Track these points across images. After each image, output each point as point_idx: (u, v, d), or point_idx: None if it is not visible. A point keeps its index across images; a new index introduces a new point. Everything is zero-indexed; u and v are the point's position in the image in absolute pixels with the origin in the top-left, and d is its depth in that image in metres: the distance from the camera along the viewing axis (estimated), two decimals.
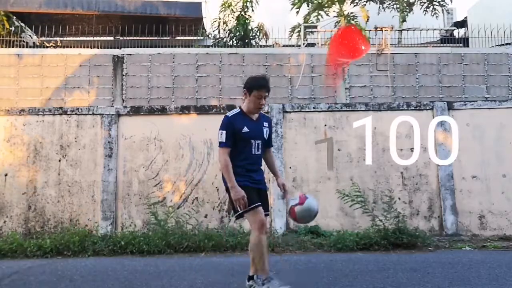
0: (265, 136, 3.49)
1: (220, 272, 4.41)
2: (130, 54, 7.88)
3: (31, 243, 5.66)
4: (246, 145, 3.36)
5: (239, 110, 3.46)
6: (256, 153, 3.41)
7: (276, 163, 3.76)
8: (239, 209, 3.24)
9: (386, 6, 13.39)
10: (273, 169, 3.66)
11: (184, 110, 6.99)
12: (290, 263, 4.84)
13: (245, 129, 3.33)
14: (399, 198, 6.50)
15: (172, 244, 5.63)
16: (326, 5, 12.93)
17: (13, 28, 10.17)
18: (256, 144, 3.40)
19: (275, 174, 3.65)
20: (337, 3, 13.00)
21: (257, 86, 3.36)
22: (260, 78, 3.50)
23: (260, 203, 3.30)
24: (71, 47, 9.24)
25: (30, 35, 10.78)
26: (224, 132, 3.30)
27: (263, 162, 3.59)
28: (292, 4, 13.39)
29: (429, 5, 12.99)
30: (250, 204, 3.23)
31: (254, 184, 3.36)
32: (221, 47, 9.78)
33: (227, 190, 3.33)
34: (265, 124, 3.54)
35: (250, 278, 3.32)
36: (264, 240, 3.24)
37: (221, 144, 3.32)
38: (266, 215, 3.42)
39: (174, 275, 4.31)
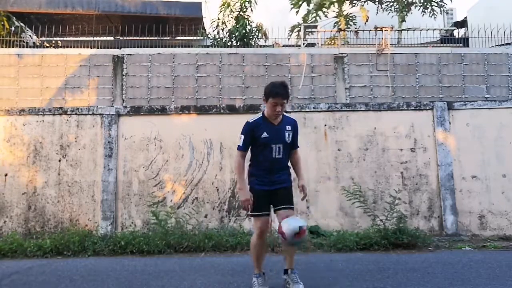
0: (286, 139, 3.51)
1: (220, 272, 4.41)
2: (130, 54, 7.88)
3: (31, 243, 5.66)
4: (266, 150, 3.43)
5: (262, 114, 3.54)
6: (277, 156, 3.45)
7: (300, 165, 3.74)
8: (245, 210, 3.47)
9: (385, 8, 13.40)
10: (296, 170, 3.70)
11: (184, 110, 6.98)
12: None
13: (264, 135, 3.42)
14: (399, 198, 6.50)
15: (172, 244, 5.63)
16: (325, 6, 12.95)
17: (13, 28, 10.18)
18: (277, 148, 3.44)
19: (297, 175, 3.69)
20: (336, 3, 13.02)
21: (271, 93, 3.38)
22: (276, 86, 3.44)
23: (264, 212, 3.45)
24: (71, 47, 9.24)
25: (30, 35, 10.78)
26: (242, 136, 3.47)
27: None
28: (291, 4, 13.41)
29: (427, 6, 12.98)
30: (254, 211, 3.43)
31: (268, 185, 3.45)
32: (221, 47, 9.78)
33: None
34: (288, 127, 3.55)
35: (285, 271, 3.59)
36: (260, 244, 3.49)
37: (238, 147, 3.50)
38: (289, 208, 3.49)
39: (174, 275, 4.31)
